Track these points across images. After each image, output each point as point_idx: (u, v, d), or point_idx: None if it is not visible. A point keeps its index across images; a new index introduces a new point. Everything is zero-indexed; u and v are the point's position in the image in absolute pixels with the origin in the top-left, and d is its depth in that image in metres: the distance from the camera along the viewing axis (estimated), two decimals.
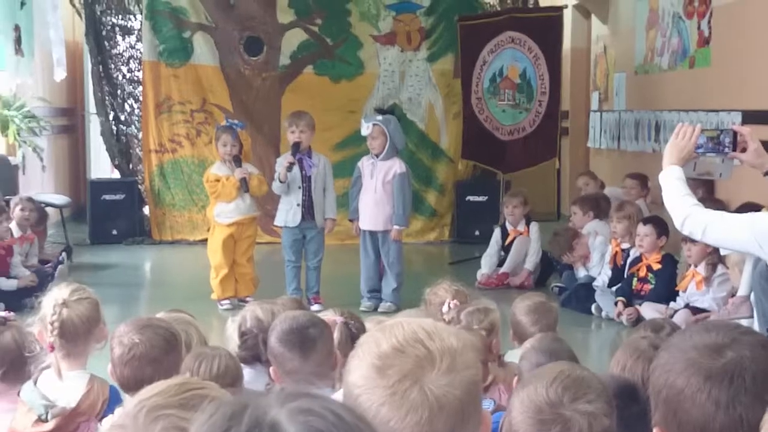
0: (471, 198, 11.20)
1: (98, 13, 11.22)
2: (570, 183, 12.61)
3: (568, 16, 11.08)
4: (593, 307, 7.43)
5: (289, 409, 1.10)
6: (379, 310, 7.29)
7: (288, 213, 7.52)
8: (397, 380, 1.45)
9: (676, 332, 2.04)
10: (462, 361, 1.49)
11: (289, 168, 7.37)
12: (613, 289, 7.45)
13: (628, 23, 10.78)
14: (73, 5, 11.46)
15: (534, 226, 8.64)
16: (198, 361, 3.12)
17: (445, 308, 3.96)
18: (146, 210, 11.31)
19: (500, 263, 8.66)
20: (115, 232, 10.89)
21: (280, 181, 7.43)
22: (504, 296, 6.82)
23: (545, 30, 9.99)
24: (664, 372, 1.70)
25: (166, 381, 1.78)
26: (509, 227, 8.73)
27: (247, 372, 3.58)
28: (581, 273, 8.05)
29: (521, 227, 8.67)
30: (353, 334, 3.51)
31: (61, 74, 10.71)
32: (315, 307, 6.91)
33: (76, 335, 3.17)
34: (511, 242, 8.64)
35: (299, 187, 7.47)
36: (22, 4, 9.60)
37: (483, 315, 3.73)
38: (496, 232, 8.83)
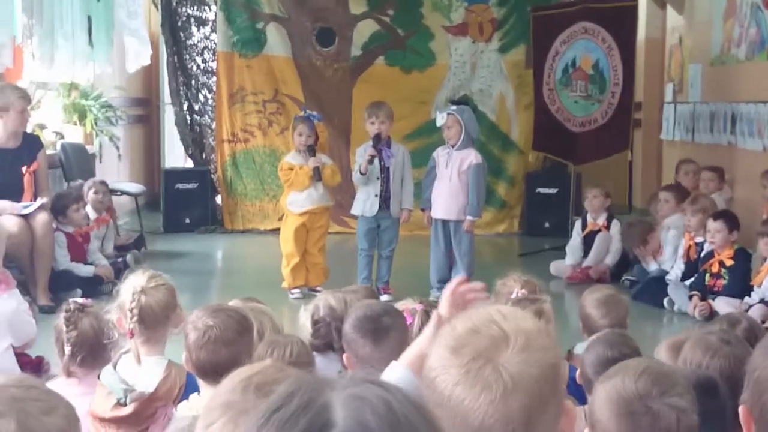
0: (541, 190, 11.11)
1: (174, 4, 11.37)
2: (642, 176, 12.47)
3: (642, 6, 10.95)
4: (665, 301, 7.34)
5: (345, 393, 1.11)
6: None
7: (365, 203, 7.56)
8: (470, 359, 1.46)
9: None
10: (538, 343, 1.49)
11: (371, 160, 7.41)
12: (687, 283, 7.36)
13: (705, 13, 10.59)
14: None
15: (615, 226, 8.54)
16: (270, 348, 3.16)
17: (513, 296, 3.95)
18: (218, 199, 11.44)
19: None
20: (188, 220, 11.03)
21: (361, 173, 7.48)
22: (584, 290, 6.76)
23: (619, 20, 9.87)
24: (763, 353, 1.67)
25: (262, 362, 1.81)
26: (589, 219, 8.67)
27: (320, 360, 3.62)
28: (652, 267, 7.96)
29: (601, 220, 8.59)
30: None
31: (139, 63, 10.87)
32: (384, 297, 6.93)
33: (155, 321, 3.23)
34: (589, 233, 8.58)
35: (378, 178, 7.50)
36: None
37: (528, 303, 3.71)
38: (577, 224, 8.78)
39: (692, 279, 7.33)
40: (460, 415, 1.44)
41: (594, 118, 9.92)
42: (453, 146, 7.51)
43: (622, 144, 10.10)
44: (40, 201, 7.12)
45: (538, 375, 1.45)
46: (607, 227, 8.57)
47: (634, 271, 8.13)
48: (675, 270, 7.65)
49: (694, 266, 7.47)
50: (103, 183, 8.66)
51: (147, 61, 11.08)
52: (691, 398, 2.06)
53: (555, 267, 8.62)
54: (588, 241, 8.56)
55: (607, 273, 8.40)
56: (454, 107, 7.70)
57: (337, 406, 1.09)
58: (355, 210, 7.73)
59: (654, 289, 7.50)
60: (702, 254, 7.39)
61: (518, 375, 1.44)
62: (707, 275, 7.20)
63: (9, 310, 3.85)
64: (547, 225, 10.89)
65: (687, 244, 7.66)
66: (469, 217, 7.52)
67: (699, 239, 7.54)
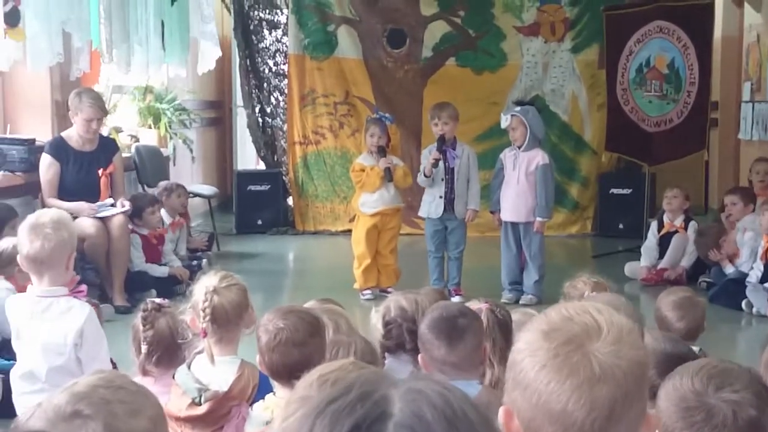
0: (615, 191, 10.99)
1: (246, 8, 11.48)
2: (719, 176, 12.25)
3: (719, 4, 10.74)
4: (743, 303, 7.20)
5: (404, 387, 1.12)
6: (520, 302, 7.24)
7: (431, 205, 7.55)
8: (561, 343, 1.46)
9: None
10: (629, 339, 1.48)
11: (435, 164, 7.40)
12: (766, 285, 7.20)
13: None
14: (223, 1, 11.76)
15: (692, 227, 8.39)
16: (335, 349, 3.16)
17: (584, 297, 3.91)
18: (290, 201, 11.51)
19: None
20: (259, 222, 11.13)
21: (425, 176, 7.47)
22: (659, 292, 6.66)
23: (695, 19, 9.70)
24: None
25: (339, 360, 1.83)
26: (666, 220, 8.53)
27: (391, 361, 3.62)
28: (729, 269, 7.81)
29: (678, 222, 8.45)
30: (500, 320, 3.51)
31: (206, 66, 10.97)
32: (455, 299, 6.91)
33: (227, 321, 3.25)
34: (665, 234, 8.45)
35: (442, 180, 7.49)
36: (173, 0, 9.86)
37: None
38: (653, 225, 8.66)
39: None
40: (543, 398, 1.44)
41: (669, 117, 9.76)
42: (519, 147, 7.46)
43: (699, 144, 9.91)
44: (122, 207, 7.22)
45: (626, 369, 1.45)
46: (685, 228, 8.42)
47: (711, 273, 7.98)
48: (754, 272, 7.49)
49: None
50: (182, 187, 8.76)
51: (212, 65, 11.15)
52: (752, 394, 2.04)
53: (630, 268, 8.50)
54: (664, 242, 8.43)
55: (684, 275, 8.26)
56: (517, 108, 7.64)
57: (395, 399, 1.11)
58: (422, 212, 7.73)
59: (732, 291, 7.35)
60: None
61: (607, 365, 1.44)
62: None
63: (82, 318, 3.79)
64: (621, 226, 10.76)
65: (765, 246, 7.50)
66: (538, 219, 7.46)
67: None
